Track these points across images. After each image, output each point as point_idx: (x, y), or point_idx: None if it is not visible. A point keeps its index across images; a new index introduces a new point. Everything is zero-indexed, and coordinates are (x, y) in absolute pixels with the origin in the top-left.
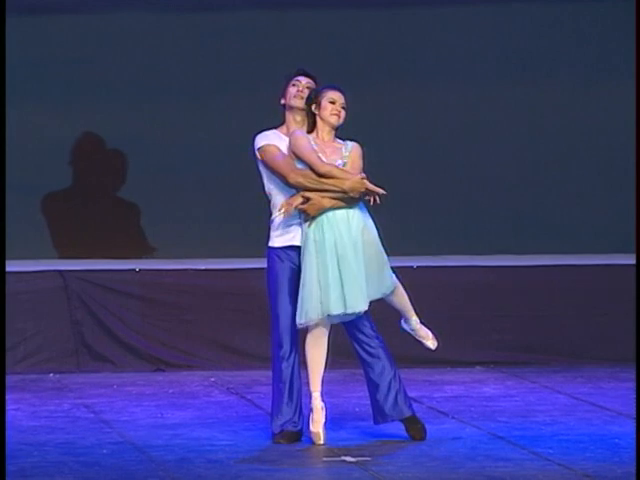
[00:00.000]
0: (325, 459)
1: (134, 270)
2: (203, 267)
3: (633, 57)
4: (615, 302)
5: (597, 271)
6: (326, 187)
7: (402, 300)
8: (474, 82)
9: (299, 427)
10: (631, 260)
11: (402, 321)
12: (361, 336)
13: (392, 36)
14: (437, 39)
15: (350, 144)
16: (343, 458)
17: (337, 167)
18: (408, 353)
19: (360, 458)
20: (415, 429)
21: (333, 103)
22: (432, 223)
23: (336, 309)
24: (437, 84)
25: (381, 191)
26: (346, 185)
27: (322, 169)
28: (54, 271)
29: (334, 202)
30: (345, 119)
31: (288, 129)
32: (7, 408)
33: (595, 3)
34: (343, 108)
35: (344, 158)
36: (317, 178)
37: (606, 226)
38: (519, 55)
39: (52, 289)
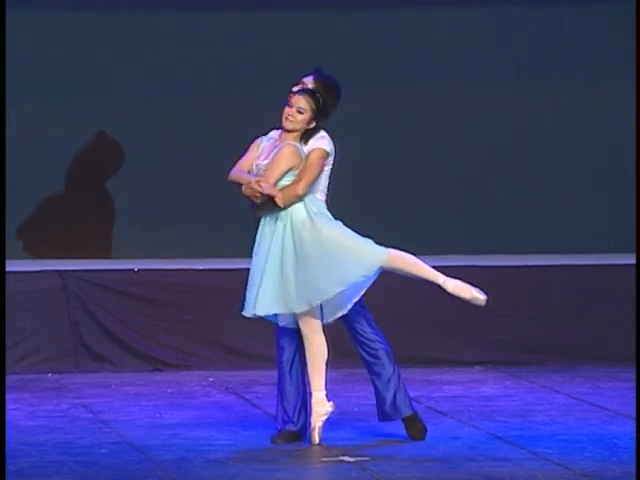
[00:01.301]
0: (324, 459)
1: (133, 270)
2: (202, 267)
3: (633, 57)
4: (614, 302)
5: (596, 271)
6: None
7: (415, 268)
8: (474, 82)
9: (298, 427)
10: (631, 260)
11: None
12: (361, 336)
13: (392, 37)
14: (437, 40)
15: (285, 144)
16: (342, 458)
17: (244, 174)
18: (407, 353)
19: (359, 458)
20: (415, 429)
21: (290, 106)
22: (431, 223)
23: (247, 311)
24: (437, 84)
25: (275, 194)
26: (243, 191)
27: (228, 177)
28: (53, 271)
29: (262, 207)
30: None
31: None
32: (6, 408)
33: (595, 3)
34: (300, 112)
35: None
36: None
37: (606, 226)
38: (519, 55)
39: (51, 289)
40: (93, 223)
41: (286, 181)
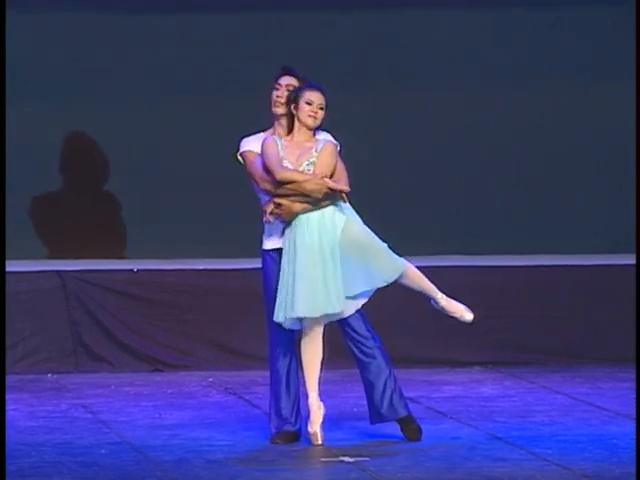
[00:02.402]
0: (323, 459)
1: (132, 270)
2: (201, 267)
3: (633, 57)
4: (614, 302)
5: (596, 271)
6: (289, 192)
7: (419, 281)
8: (474, 82)
9: (297, 427)
10: (631, 260)
11: (431, 302)
12: (356, 336)
13: (392, 37)
14: (437, 40)
15: (322, 142)
16: (341, 458)
17: (296, 171)
18: (406, 353)
19: (358, 458)
20: (410, 429)
21: (310, 104)
22: (431, 223)
23: (301, 312)
24: (437, 84)
25: (345, 189)
26: (306, 188)
27: (279, 176)
28: (52, 271)
29: (304, 206)
30: (324, 119)
31: (275, 132)
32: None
33: (595, 4)
34: (321, 109)
35: (312, 158)
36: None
37: (605, 226)
38: (519, 55)
39: (50, 289)
40: (93, 223)
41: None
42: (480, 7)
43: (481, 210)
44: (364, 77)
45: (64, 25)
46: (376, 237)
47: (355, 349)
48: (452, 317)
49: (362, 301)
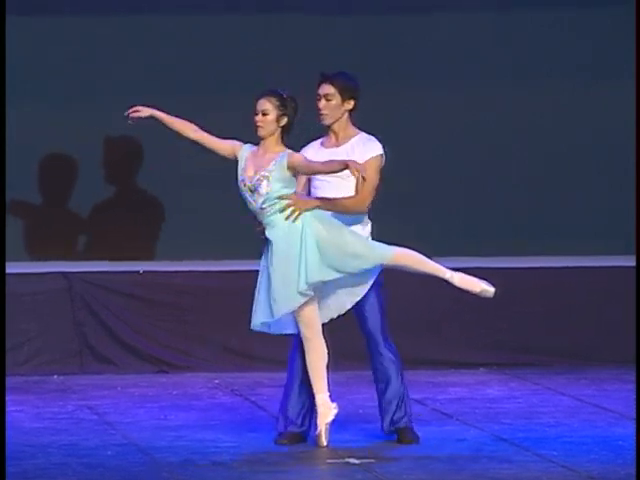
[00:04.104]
0: (329, 461)
1: (137, 272)
2: (207, 269)
3: (633, 57)
4: (618, 304)
5: (601, 273)
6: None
7: (421, 265)
8: (474, 82)
9: (302, 429)
10: (633, 262)
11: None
12: (374, 350)
13: (392, 37)
14: (437, 40)
15: (284, 156)
16: (347, 460)
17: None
18: (412, 355)
19: (364, 460)
20: (407, 439)
21: (255, 114)
22: (430, 223)
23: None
24: (437, 84)
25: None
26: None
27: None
28: (57, 273)
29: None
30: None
31: (327, 140)
32: (10, 410)
33: (595, 4)
34: (264, 114)
35: (264, 172)
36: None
37: (606, 226)
38: (519, 55)
39: (55, 290)
40: (94, 224)
41: (285, 190)
42: (480, 7)
43: (481, 210)
44: (364, 77)
45: (64, 25)
46: (357, 234)
47: (372, 359)
48: (474, 294)
49: (354, 300)
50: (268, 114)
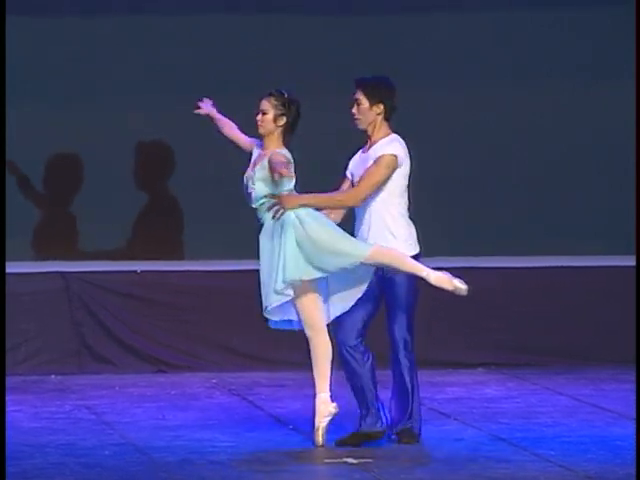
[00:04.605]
0: (327, 460)
1: (135, 272)
2: (205, 268)
3: (633, 57)
4: (617, 304)
5: (600, 272)
6: None
7: (399, 262)
8: (474, 82)
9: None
10: (632, 262)
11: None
12: (395, 356)
13: (392, 37)
14: (437, 40)
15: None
16: (345, 460)
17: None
18: None
19: (362, 460)
20: (405, 439)
21: (256, 114)
22: (430, 223)
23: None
24: (437, 84)
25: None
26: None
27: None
28: (55, 272)
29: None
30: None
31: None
32: (9, 409)
33: (595, 4)
34: (264, 114)
35: (253, 171)
36: None
37: (606, 226)
38: (519, 55)
39: (53, 290)
40: (95, 224)
41: (268, 189)
42: (480, 7)
43: (481, 210)
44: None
45: (64, 25)
46: (339, 231)
47: (393, 362)
48: (448, 291)
49: (355, 297)
50: (267, 113)
